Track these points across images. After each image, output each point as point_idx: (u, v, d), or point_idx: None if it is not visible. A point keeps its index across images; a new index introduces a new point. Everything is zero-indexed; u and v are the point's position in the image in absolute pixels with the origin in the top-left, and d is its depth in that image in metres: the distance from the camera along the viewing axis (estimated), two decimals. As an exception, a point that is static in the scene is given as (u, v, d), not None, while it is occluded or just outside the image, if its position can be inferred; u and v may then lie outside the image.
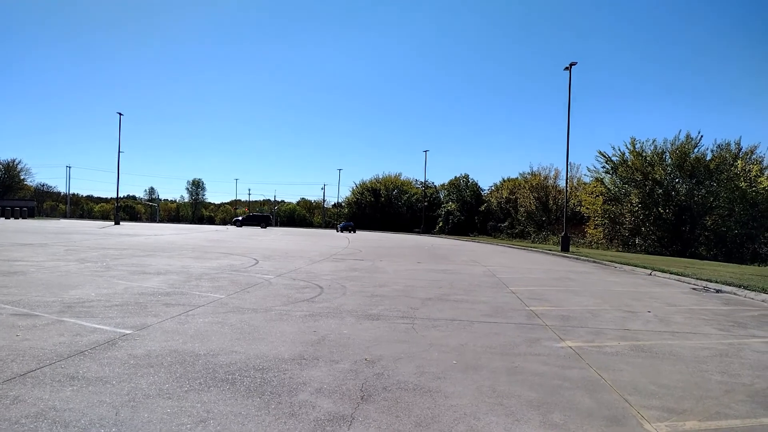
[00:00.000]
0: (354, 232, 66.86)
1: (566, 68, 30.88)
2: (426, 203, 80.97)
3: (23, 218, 60.05)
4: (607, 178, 46.14)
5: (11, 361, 4.70)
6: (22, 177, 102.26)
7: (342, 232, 65.11)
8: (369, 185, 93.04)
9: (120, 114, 59.23)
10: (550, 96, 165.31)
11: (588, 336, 6.96)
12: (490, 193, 78.82)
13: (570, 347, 6.25)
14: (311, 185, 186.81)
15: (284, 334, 6.31)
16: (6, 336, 5.63)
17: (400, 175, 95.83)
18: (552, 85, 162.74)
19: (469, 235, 67.07)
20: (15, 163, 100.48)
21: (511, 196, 68.94)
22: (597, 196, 46.43)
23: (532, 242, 49.78)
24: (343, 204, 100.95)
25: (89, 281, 10.13)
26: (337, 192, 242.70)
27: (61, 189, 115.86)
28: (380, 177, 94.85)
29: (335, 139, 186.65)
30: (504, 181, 77.16)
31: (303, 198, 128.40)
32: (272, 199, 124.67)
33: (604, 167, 45.89)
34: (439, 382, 4.65)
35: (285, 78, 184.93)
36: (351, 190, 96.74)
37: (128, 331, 6.09)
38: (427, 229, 75.48)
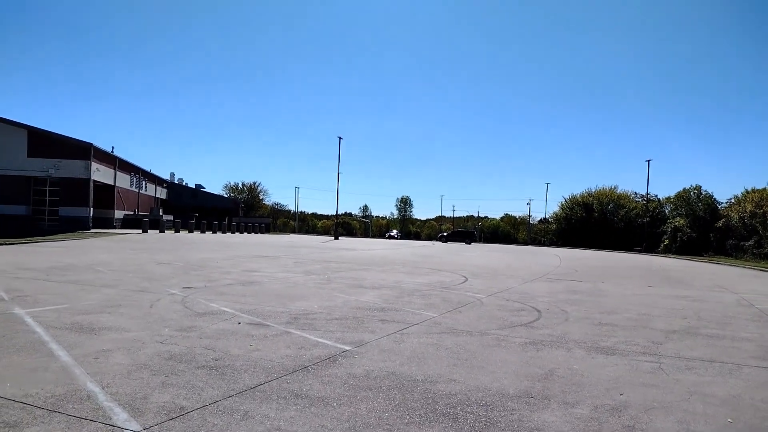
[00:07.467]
0: (470, 243, 63.45)
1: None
2: (648, 218, 73.01)
3: (261, 233, 69.25)
4: None
5: (244, 372, 4.89)
6: (261, 197, 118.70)
7: (447, 242, 63.03)
8: (580, 199, 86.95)
9: (340, 138, 64.94)
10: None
11: None
12: (729, 207, 67.55)
13: None
14: (515, 200, 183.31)
15: (505, 363, 5.69)
16: (242, 345, 6.00)
17: (616, 187, 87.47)
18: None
19: (702, 255, 58.25)
20: (256, 185, 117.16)
21: (757, 210, 58.11)
22: None
23: (790, 265, 41.17)
24: (550, 219, 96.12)
25: (313, 293, 10.75)
26: (544, 207, 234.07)
27: (291, 207, 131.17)
28: (593, 190, 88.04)
29: (543, 151, 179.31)
30: (747, 192, 65.41)
31: (507, 214, 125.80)
32: (476, 215, 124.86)
33: None
34: (717, 449, 3.58)
35: (489, 89, 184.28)
36: (559, 204, 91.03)
37: (347, 348, 6.07)
38: (649, 247, 67.74)
